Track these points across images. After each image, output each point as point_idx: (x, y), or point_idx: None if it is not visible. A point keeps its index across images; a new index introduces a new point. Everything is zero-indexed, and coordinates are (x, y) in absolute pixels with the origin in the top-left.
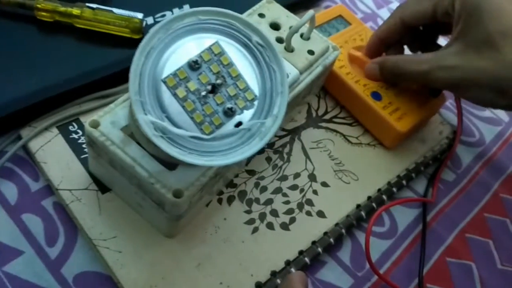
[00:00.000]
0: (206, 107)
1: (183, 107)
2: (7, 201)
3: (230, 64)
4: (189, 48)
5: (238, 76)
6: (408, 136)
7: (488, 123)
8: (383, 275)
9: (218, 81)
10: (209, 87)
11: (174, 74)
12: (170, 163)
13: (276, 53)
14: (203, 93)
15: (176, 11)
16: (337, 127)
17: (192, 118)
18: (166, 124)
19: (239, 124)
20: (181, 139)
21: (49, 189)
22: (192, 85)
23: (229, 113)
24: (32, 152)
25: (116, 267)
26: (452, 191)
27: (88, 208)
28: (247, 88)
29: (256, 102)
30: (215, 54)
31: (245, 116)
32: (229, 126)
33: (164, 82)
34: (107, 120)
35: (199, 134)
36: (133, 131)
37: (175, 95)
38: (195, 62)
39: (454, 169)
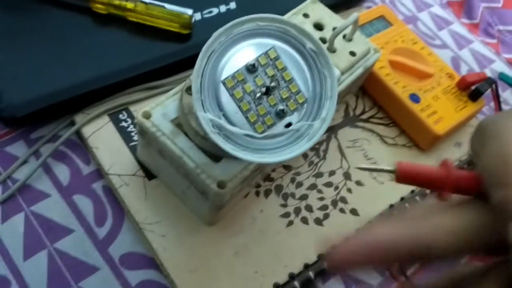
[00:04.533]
0: (260, 108)
1: (239, 107)
2: (60, 182)
3: (284, 68)
4: (247, 52)
5: (291, 80)
6: (444, 139)
7: None
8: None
9: (273, 84)
10: (263, 89)
11: (233, 76)
12: (215, 156)
13: (328, 60)
14: (258, 95)
15: (223, 8)
16: (374, 127)
17: (246, 117)
18: (223, 122)
19: (289, 124)
20: (235, 136)
21: (99, 173)
22: (248, 87)
23: (281, 114)
24: (85, 137)
25: (160, 250)
26: None
27: (135, 193)
28: (298, 92)
29: (306, 105)
30: (271, 59)
31: (295, 117)
32: (280, 126)
33: (223, 83)
34: (158, 111)
35: (252, 133)
36: (182, 123)
37: (232, 95)
38: (253, 65)
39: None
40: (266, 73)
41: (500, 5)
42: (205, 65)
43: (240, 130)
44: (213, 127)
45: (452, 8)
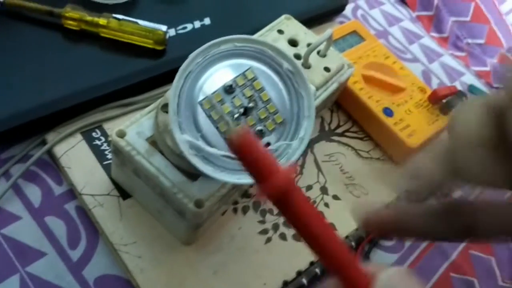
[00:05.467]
0: None
1: (217, 128)
2: (31, 204)
3: (262, 89)
4: (224, 73)
5: (269, 100)
6: (417, 152)
7: None
8: None
9: (250, 105)
10: (241, 110)
11: (210, 97)
12: (192, 174)
13: (305, 80)
14: (236, 116)
15: (197, 23)
16: (349, 141)
17: (225, 138)
18: (201, 144)
19: (267, 144)
20: (213, 157)
21: (72, 193)
22: (226, 108)
23: (259, 134)
24: (57, 156)
25: (136, 272)
26: None
27: (109, 214)
28: (276, 112)
29: (284, 125)
30: (249, 79)
31: (273, 137)
32: None
33: (201, 105)
34: (133, 130)
35: (230, 154)
36: (157, 142)
37: (210, 116)
38: (230, 86)
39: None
40: (243, 94)
41: (468, 19)
42: (182, 86)
43: (218, 151)
44: (190, 149)
45: (421, 22)
